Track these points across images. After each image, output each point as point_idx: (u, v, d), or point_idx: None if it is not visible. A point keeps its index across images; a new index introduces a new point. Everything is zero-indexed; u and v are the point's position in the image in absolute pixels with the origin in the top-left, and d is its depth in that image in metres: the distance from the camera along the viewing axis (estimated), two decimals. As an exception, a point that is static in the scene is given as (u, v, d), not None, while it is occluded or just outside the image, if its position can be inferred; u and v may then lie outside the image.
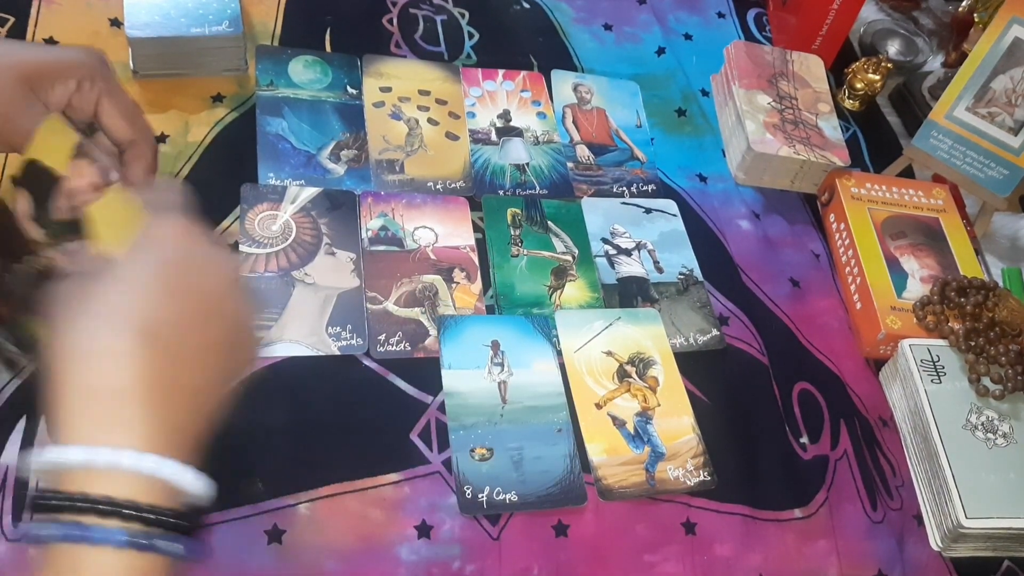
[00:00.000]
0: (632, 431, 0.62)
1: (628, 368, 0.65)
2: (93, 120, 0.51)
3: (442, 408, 0.60)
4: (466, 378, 0.61)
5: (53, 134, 0.49)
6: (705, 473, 0.61)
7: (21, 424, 0.53)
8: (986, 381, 0.68)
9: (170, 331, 0.38)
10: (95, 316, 0.38)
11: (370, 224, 0.68)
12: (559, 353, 0.65)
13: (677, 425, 0.63)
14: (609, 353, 0.66)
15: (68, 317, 0.38)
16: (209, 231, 0.43)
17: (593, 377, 0.64)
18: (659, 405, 0.64)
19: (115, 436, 0.36)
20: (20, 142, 0.48)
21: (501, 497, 0.57)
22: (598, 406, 0.63)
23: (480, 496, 0.56)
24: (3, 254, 0.49)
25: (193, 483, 0.37)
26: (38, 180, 0.49)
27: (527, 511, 0.57)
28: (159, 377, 0.37)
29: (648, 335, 0.67)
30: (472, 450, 0.58)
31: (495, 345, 0.63)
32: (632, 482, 0.60)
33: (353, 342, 0.61)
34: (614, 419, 0.62)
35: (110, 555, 0.35)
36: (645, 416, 0.63)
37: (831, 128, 0.84)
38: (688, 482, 0.61)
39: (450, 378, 0.61)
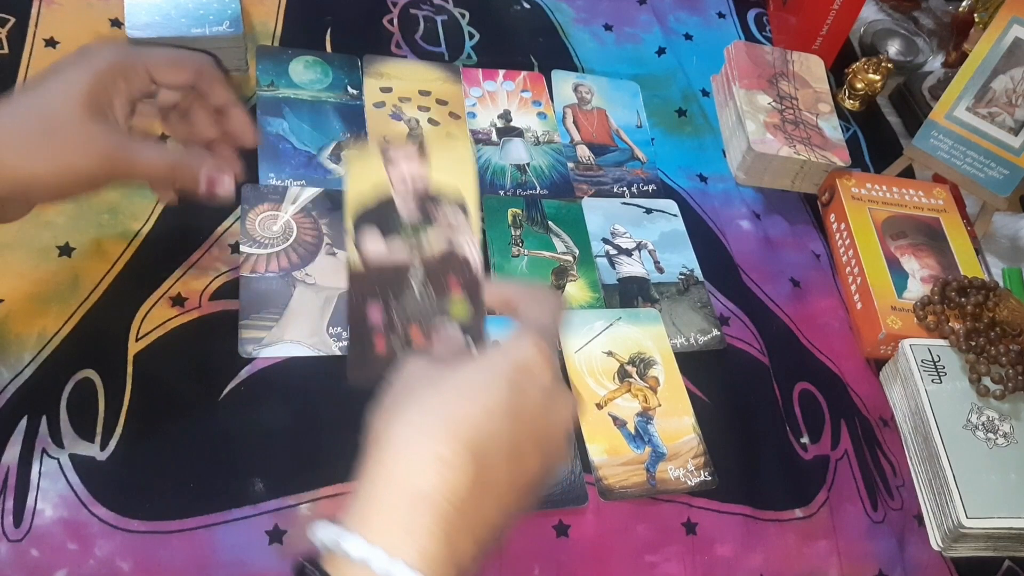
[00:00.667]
0: (633, 431, 0.62)
1: (629, 368, 0.65)
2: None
3: (443, 408, 0.60)
4: None
5: (358, 167, 0.51)
6: (706, 473, 0.61)
7: (22, 424, 0.53)
8: (987, 381, 0.68)
9: (494, 456, 0.36)
10: (430, 416, 0.37)
11: (371, 224, 0.68)
12: (558, 353, 0.65)
13: (678, 425, 0.63)
14: (610, 353, 0.66)
15: (404, 408, 0.37)
16: (556, 363, 0.41)
17: (594, 377, 0.64)
18: (660, 405, 0.64)
19: (398, 541, 0.34)
20: (123, 170, 0.49)
21: None
22: (599, 406, 0.63)
23: None
24: (391, 295, 0.50)
25: None
26: (373, 215, 0.51)
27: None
28: (466, 498, 0.35)
29: (649, 335, 0.67)
30: None
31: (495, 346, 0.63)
32: (633, 482, 0.59)
33: (354, 342, 0.61)
34: (615, 419, 0.62)
35: None
36: (646, 416, 0.63)
37: (831, 128, 0.84)
38: (689, 482, 0.61)
39: None
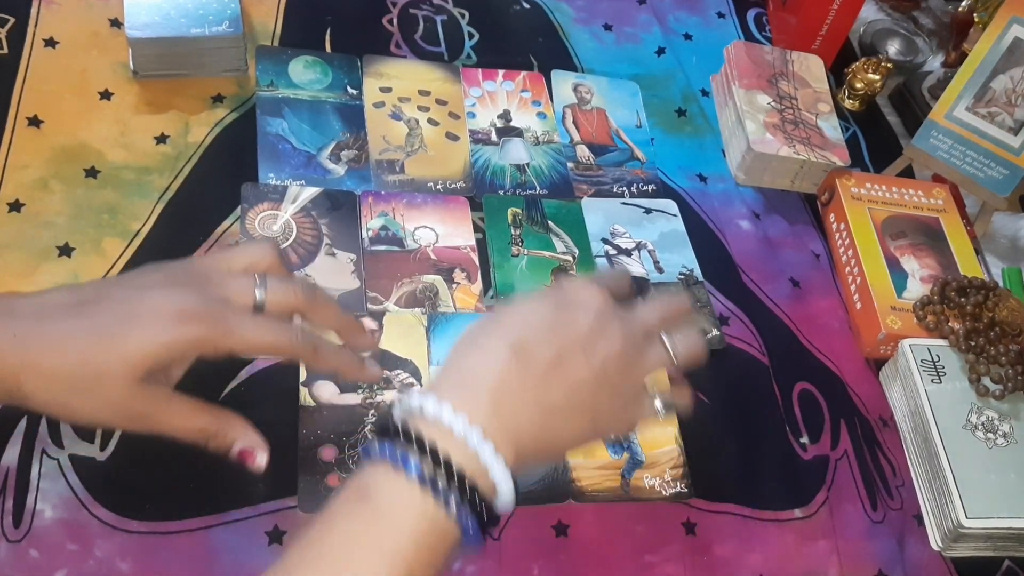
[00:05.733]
0: (612, 436, 0.61)
1: None
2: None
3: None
4: None
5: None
6: (682, 485, 0.60)
7: (22, 425, 0.53)
8: (986, 381, 0.68)
9: (534, 353, 0.45)
10: (480, 327, 0.47)
11: (371, 223, 0.68)
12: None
13: (660, 435, 0.62)
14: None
15: (485, 321, 0.48)
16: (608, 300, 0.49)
17: None
18: None
19: (460, 402, 0.42)
20: (151, 428, 0.47)
21: None
22: None
23: None
24: (344, 438, 0.56)
25: (503, 480, 0.42)
26: None
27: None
28: (506, 378, 0.44)
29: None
30: None
31: None
32: (606, 487, 0.59)
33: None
34: None
35: (407, 486, 0.40)
36: None
37: (831, 128, 0.84)
38: (664, 492, 0.60)
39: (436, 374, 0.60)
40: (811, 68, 0.89)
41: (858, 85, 0.91)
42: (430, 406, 0.42)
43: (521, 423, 0.44)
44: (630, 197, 0.77)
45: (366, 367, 0.54)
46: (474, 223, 0.71)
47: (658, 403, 0.51)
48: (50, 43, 0.71)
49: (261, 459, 0.50)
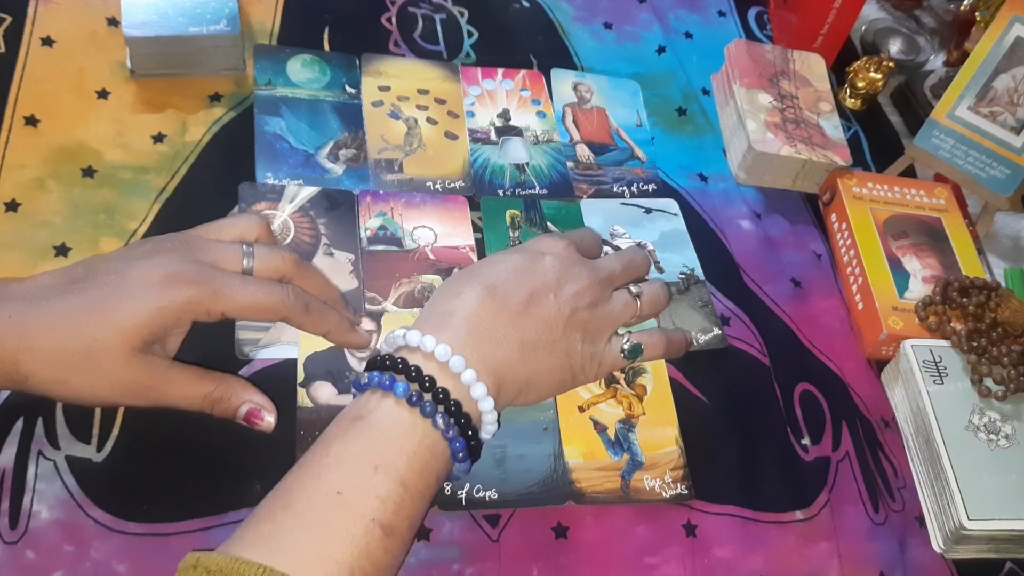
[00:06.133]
0: (612, 437, 0.61)
1: (617, 374, 0.64)
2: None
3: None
4: None
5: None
6: (683, 486, 0.60)
7: (18, 426, 0.53)
8: (988, 382, 0.68)
9: (507, 293, 0.50)
10: (469, 274, 0.52)
11: (369, 223, 0.67)
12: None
13: (661, 436, 0.62)
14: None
15: (459, 273, 0.54)
16: (573, 250, 0.56)
17: None
18: (644, 414, 0.62)
19: (441, 335, 0.47)
20: (152, 400, 0.48)
21: (481, 494, 0.56)
22: (581, 409, 0.62)
23: (459, 493, 0.56)
24: None
25: (485, 404, 0.45)
26: (325, 360, 0.59)
27: (507, 508, 0.57)
28: (483, 315, 0.48)
29: (648, 336, 0.67)
30: None
31: None
32: (606, 488, 0.59)
33: (352, 343, 0.61)
34: (596, 424, 0.61)
35: (396, 407, 0.43)
36: (628, 424, 0.62)
37: (832, 127, 0.84)
38: (664, 493, 0.60)
39: None
40: (812, 67, 0.89)
41: (860, 84, 0.91)
42: (413, 338, 0.45)
43: (499, 356, 0.47)
44: (630, 197, 0.77)
45: (357, 330, 0.55)
46: (473, 223, 0.70)
47: (625, 344, 0.54)
48: (47, 42, 0.71)
49: (269, 419, 0.51)
